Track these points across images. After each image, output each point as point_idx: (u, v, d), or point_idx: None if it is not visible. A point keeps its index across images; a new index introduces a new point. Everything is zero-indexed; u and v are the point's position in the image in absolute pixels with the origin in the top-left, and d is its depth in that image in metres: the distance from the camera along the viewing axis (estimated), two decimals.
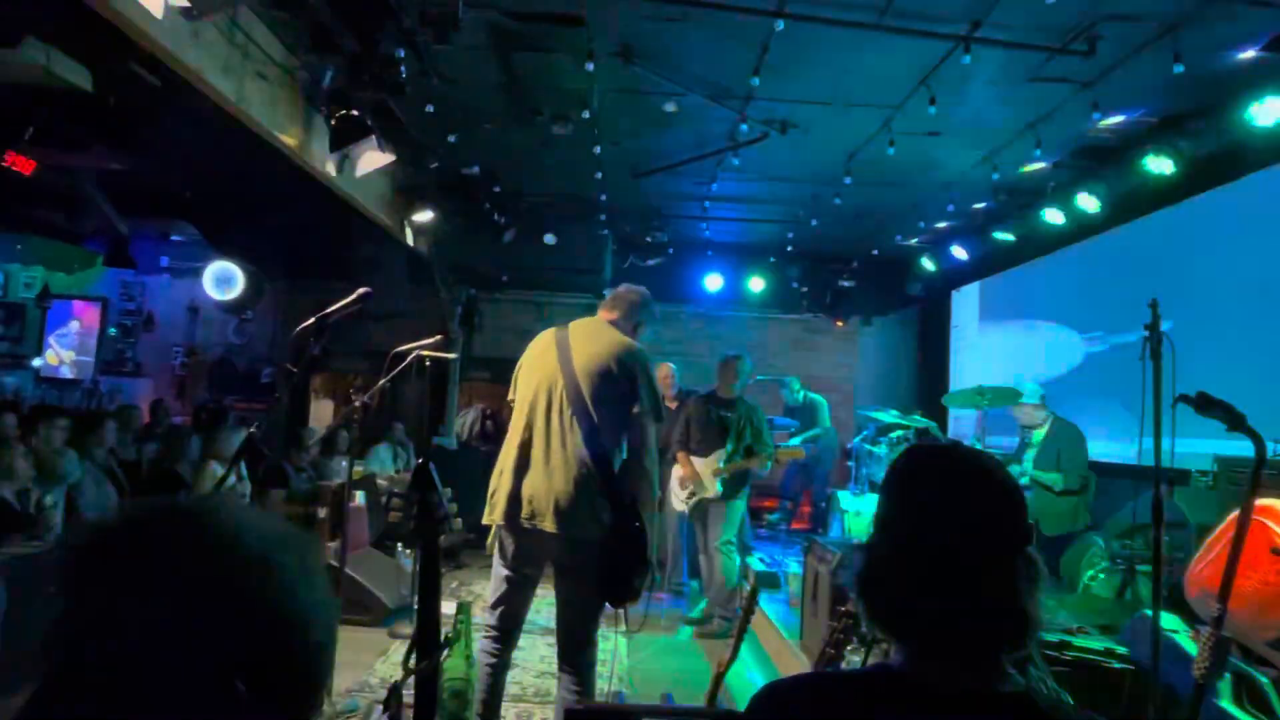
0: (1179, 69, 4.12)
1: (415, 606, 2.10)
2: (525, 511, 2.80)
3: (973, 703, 0.95)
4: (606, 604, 2.86)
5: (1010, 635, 0.96)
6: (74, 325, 9.99)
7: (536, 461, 2.84)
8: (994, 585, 0.96)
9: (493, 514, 2.89)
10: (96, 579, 0.75)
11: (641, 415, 2.91)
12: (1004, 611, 0.95)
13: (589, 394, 2.84)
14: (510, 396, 3.05)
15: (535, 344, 3.07)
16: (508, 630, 2.90)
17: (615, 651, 4.45)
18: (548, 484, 2.79)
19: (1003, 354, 8.46)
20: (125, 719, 0.71)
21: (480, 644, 2.92)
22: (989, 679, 0.97)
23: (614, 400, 2.86)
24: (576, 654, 2.86)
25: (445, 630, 2.27)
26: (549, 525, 2.76)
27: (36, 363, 9.91)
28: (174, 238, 9.47)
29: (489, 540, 2.96)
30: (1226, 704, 2.75)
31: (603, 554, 2.77)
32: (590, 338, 2.97)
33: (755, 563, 6.29)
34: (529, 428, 2.89)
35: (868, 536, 1.07)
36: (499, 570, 2.91)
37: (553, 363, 2.92)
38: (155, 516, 0.80)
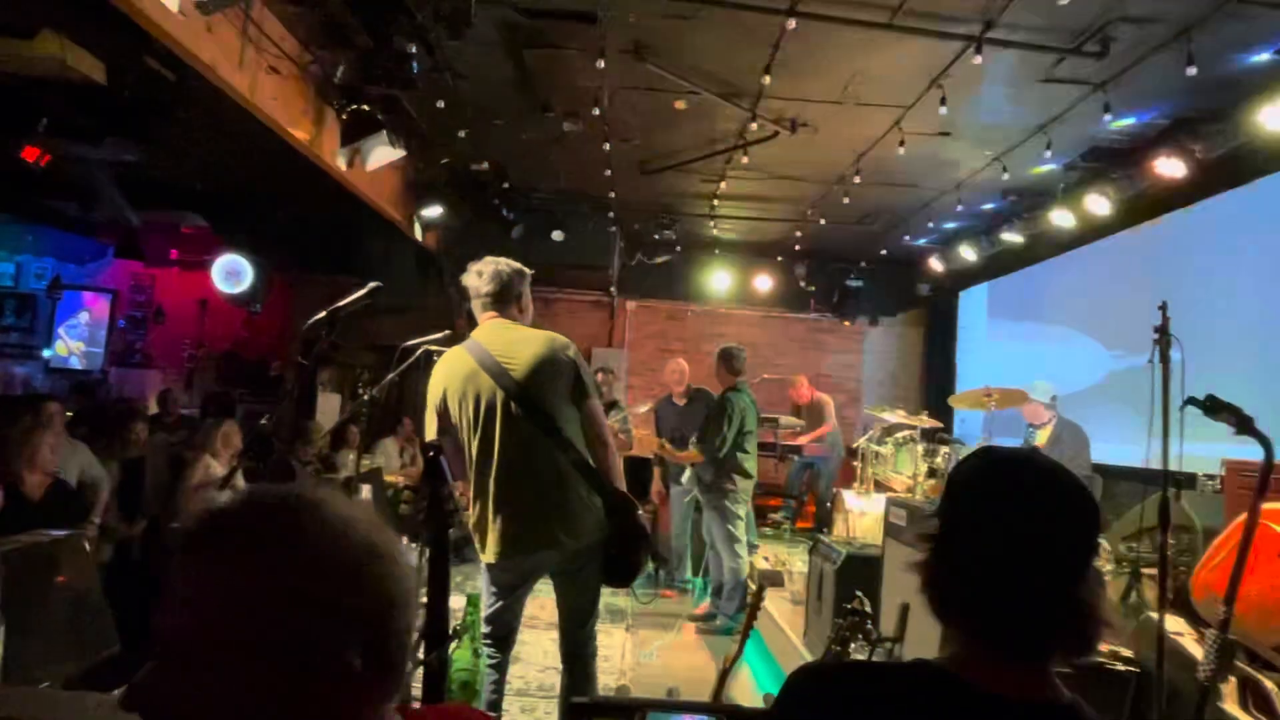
0: (1192, 71, 4.11)
1: (423, 599, 2.12)
2: (524, 543, 2.72)
3: (1021, 710, 0.94)
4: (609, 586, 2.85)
5: (1080, 641, 0.96)
6: (84, 316, 10.05)
7: (517, 488, 2.72)
8: (1069, 592, 0.95)
9: (486, 552, 2.77)
10: (213, 557, 0.78)
11: (591, 400, 2.81)
12: (1077, 618, 0.95)
13: (541, 400, 2.72)
14: (431, 438, 2.79)
15: (450, 373, 2.79)
16: (504, 636, 2.88)
17: (621, 647, 4.47)
18: (538, 505, 2.71)
19: (1010, 355, 8.44)
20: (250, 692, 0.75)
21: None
22: (1039, 688, 0.96)
23: (565, 397, 2.77)
24: (580, 648, 2.87)
25: (453, 623, 2.29)
26: (550, 544, 2.71)
27: (46, 353, 9.97)
28: (184, 230, 9.52)
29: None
30: (1231, 708, 2.75)
31: (606, 548, 2.76)
32: (512, 345, 2.79)
33: (759, 561, 6.30)
34: (493, 457, 2.72)
35: (936, 535, 1.04)
36: (492, 588, 2.83)
37: (488, 383, 2.72)
38: (276, 503, 0.84)
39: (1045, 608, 0.95)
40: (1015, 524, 0.98)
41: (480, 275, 2.89)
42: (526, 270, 2.98)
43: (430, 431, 2.83)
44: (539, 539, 2.71)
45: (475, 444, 2.76)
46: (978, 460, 1.10)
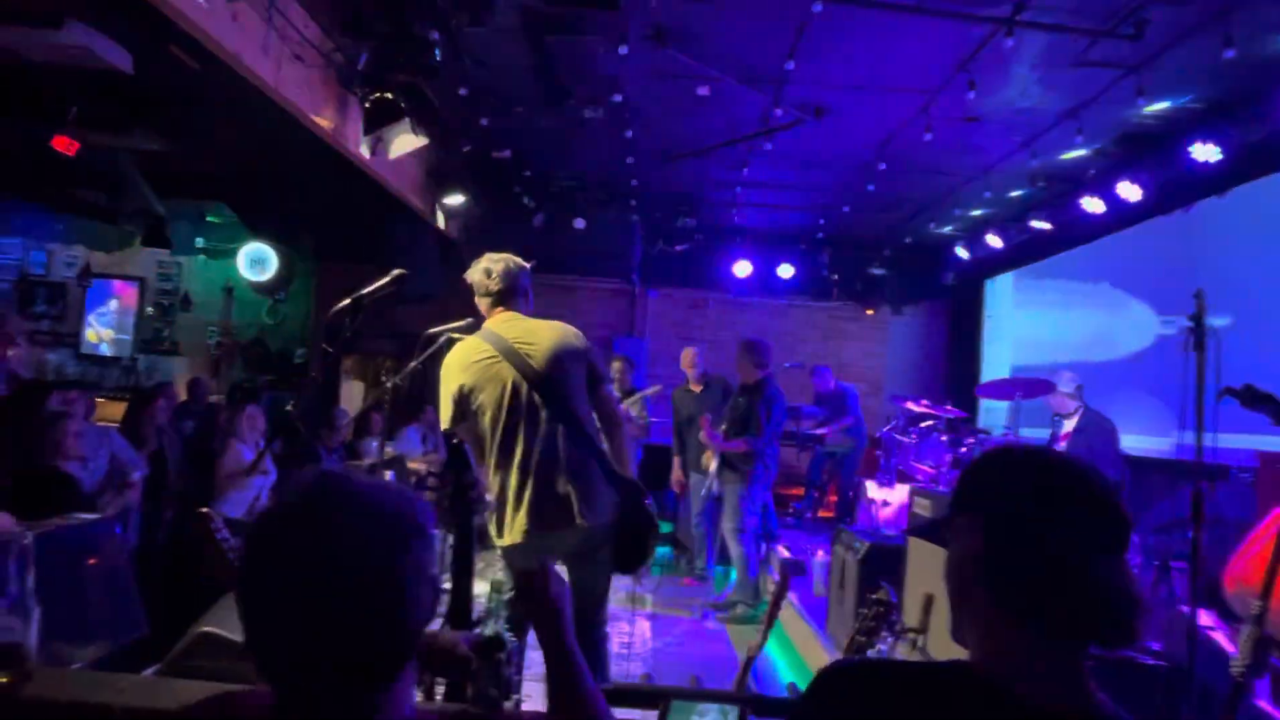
0: (1229, 54, 4.00)
1: (448, 584, 2.12)
2: (546, 522, 2.79)
3: (1057, 718, 0.92)
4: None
5: (1124, 629, 0.95)
6: (113, 304, 10.18)
7: (540, 470, 2.79)
8: (1109, 583, 0.95)
9: (508, 534, 2.84)
10: (264, 555, 0.91)
11: (605, 385, 2.96)
12: (1118, 610, 0.95)
13: (562, 386, 2.82)
14: (448, 425, 2.85)
15: (467, 362, 2.86)
16: (520, 623, 2.93)
17: (642, 635, 4.49)
18: (560, 486, 2.78)
19: (1036, 344, 8.33)
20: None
21: None
22: (1077, 694, 0.95)
23: (582, 384, 2.89)
24: (590, 634, 2.89)
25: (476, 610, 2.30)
26: (570, 527, 2.78)
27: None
28: (210, 219, 9.61)
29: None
30: (1264, 703, 2.70)
31: (617, 533, 2.83)
32: (530, 334, 2.89)
33: (781, 550, 6.29)
34: (516, 441, 2.80)
35: (988, 537, 1.03)
36: (510, 573, 2.88)
37: (509, 371, 2.82)
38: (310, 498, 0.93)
39: (1098, 601, 0.94)
40: (1069, 522, 0.97)
41: (490, 274, 2.98)
42: (527, 265, 3.08)
43: (445, 418, 2.88)
44: (561, 518, 2.78)
45: (499, 430, 2.82)
46: (996, 461, 1.10)
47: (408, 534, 0.91)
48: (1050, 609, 0.95)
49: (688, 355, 6.39)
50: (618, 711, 1.45)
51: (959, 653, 1.08)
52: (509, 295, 2.98)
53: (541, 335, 2.89)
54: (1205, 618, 2.92)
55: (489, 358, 2.85)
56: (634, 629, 4.96)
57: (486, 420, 2.83)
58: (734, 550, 5.52)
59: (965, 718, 0.93)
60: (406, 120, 4.87)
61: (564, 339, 2.90)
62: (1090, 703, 0.94)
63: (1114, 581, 0.95)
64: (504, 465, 2.82)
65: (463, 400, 2.85)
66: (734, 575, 5.65)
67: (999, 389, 5.88)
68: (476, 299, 3.03)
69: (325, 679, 0.87)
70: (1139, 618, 0.96)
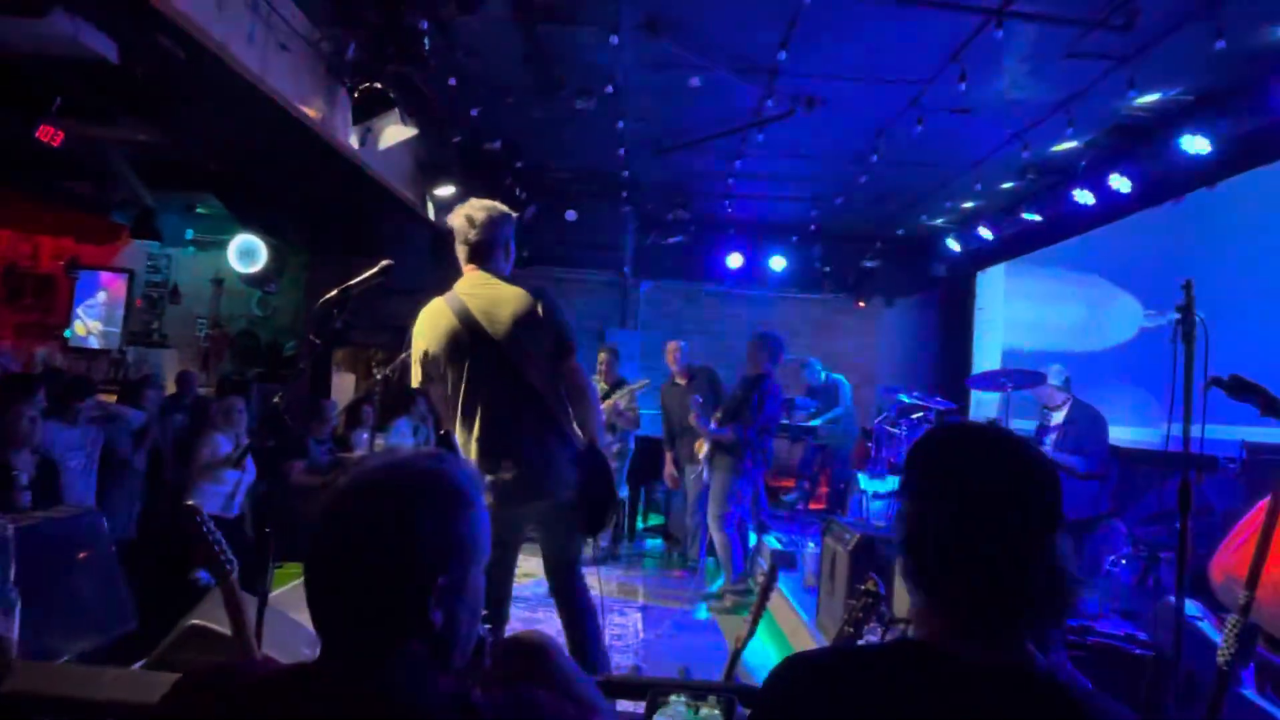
0: (1220, 45, 4.00)
1: None
2: (506, 491, 2.79)
3: (999, 676, 0.97)
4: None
5: (1051, 610, 1.00)
6: (101, 296, 10.10)
7: (494, 442, 2.78)
8: (1038, 562, 0.99)
9: None
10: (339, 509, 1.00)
11: (571, 355, 2.85)
12: (1047, 589, 0.99)
13: (522, 360, 2.77)
14: (418, 384, 2.89)
15: (431, 327, 2.83)
16: (494, 609, 2.94)
17: (633, 626, 4.50)
18: (519, 457, 2.78)
19: (1027, 336, 8.36)
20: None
21: None
22: (1015, 655, 0.99)
23: (543, 354, 2.81)
24: (570, 580, 2.97)
25: None
26: (526, 497, 2.79)
27: (65, 333, 10.06)
28: (199, 210, 9.54)
29: None
30: (1249, 692, 2.73)
31: (579, 500, 2.84)
32: (492, 304, 2.80)
33: (772, 541, 6.31)
34: (474, 412, 2.80)
35: (907, 506, 1.08)
36: None
37: (468, 342, 2.77)
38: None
39: (1007, 574, 0.98)
40: (971, 491, 1.01)
41: (471, 221, 2.87)
42: (512, 214, 2.98)
43: (415, 380, 2.89)
44: (524, 492, 2.78)
45: (459, 399, 2.82)
46: (934, 434, 1.15)
47: (458, 505, 1.02)
48: (985, 606, 0.99)
49: (671, 350, 6.39)
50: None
51: None
52: (487, 249, 2.87)
53: (503, 305, 2.80)
54: (1192, 607, 2.94)
55: (450, 326, 2.80)
56: (625, 621, 4.98)
57: (449, 388, 2.84)
58: (716, 537, 5.53)
59: (911, 685, 0.97)
60: (396, 111, 4.84)
61: (526, 310, 2.79)
62: (1026, 659, 0.99)
63: (1044, 572, 0.99)
64: (465, 434, 2.83)
65: (428, 365, 2.86)
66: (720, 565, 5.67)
67: (989, 380, 5.90)
68: (456, 246, 2.93)
69: (367, 625, 0.97)
70: (1069, 599, 1.00)
